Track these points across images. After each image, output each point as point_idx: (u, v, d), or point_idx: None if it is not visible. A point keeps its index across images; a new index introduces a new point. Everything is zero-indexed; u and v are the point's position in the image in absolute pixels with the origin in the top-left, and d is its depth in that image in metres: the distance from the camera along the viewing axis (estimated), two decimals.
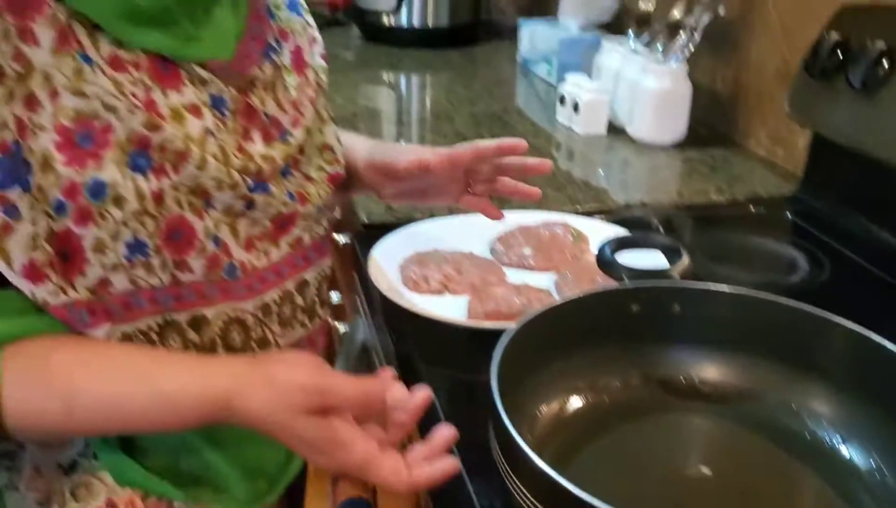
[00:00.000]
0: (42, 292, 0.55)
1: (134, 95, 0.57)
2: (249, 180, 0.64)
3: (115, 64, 0.57)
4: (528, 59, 1.98)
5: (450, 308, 0.90)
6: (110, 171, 0.56)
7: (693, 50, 1.42)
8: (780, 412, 0.70)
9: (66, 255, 0.56)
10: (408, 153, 0.85)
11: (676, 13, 1.47)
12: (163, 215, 0.59)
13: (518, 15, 2.34)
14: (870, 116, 1.03)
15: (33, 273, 0.54)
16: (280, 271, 0.70)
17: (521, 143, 0.88)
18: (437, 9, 2.19)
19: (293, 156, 0.70)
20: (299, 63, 0.74)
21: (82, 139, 0.55)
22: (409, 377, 0.85)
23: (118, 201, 0.57)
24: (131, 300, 0.60)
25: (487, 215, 0.94)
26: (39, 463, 0.64)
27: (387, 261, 0.98)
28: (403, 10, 2.17)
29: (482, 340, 0.87)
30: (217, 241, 0.64)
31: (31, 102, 0.54)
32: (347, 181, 0.86)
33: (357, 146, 0.90)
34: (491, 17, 2.41)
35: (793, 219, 1.18)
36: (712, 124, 1.55)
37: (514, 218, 1.08)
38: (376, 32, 2.23)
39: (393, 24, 2.19)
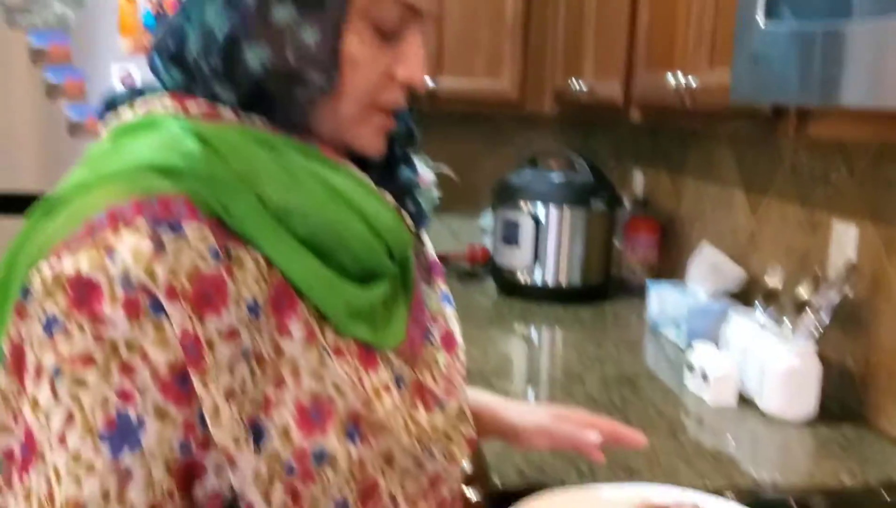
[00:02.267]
0: None
1: (350, 377, 0.68)
2: (420, 447, 0.74)
3: (337, 351, 0.69)
4: (658, 322, 2.06)
5: None
6: (332, 441, 0.67)
7: (821, 329, 1.46)
8: None
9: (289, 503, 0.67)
10: (580, 424, 1.06)
11: (803, 292, 1.54)
12: (363, 478, 0.69)
13: (647, 274, 2.45)
14: None
15: None
16: None
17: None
18: (570, 268, 2.33)
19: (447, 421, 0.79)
20: (449, 344, 0.85)
21: (314, 415, 0.66)
22: None
23: (334, 465, 0.67)
24: None
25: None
26: None
27: None
28: (538, 268, 2.32)
29: None
30: (393, 499, 0.72)
31: (279, 382, 0.65)
32: (489, 434, 1.05)
33: (507, 406, 1.08)
34: (621, 275, 2.53)
35: None
36: (844, 401, 1.56)
37: (643, 493, 1.12)
38: (511, 288, 2.38)
39: (527, 280, 2.34)
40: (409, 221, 0.77)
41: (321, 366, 0.67)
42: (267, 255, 0.66)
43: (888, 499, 1.20)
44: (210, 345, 0.62)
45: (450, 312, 0.88)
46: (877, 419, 1.47)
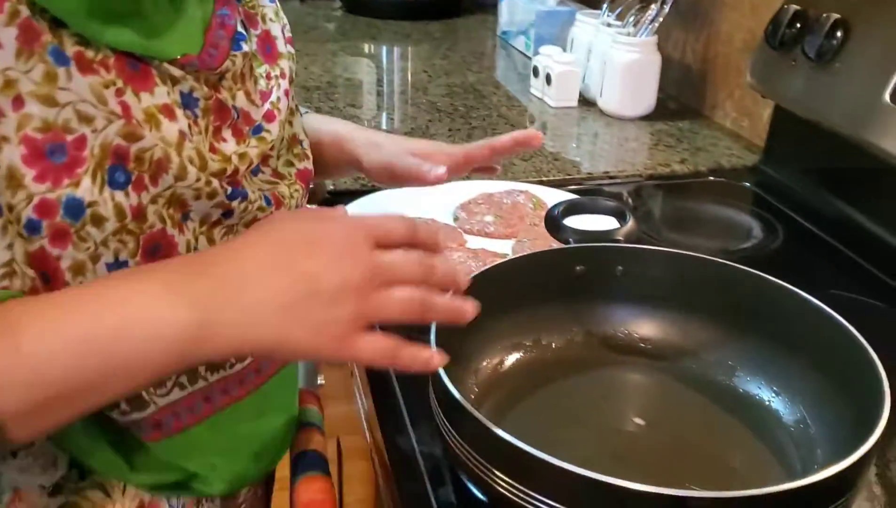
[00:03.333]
0: None
1: (103, 101, 0.52)
2: (228, 188, 0.60)
3: (83, 65, 0.51)
4: (507, 32, 1.99)
5: None
6: (87, 188, 0.51)
7: (662, 21, 1.43)
8: (714, 367, 0.73)
9: (46, 276, 0.52)
10: (429, 157, 0.85)
11: None
12: (143, 230, 0.55)
13: None
14: (824, 87, 1.05)
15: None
16: None
17: (536, 135, 0.88)
18: None
19: (266, 152, 0.65)
20: (271, 51, 0.69)
21: (54, 154, 0.50)
22: None
23: (97, 220, 0.52)
24: None
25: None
26: (20, 486, 0.58)
27: None
28: None
29: None
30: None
31: None
32: (338, 169, 0.90)
33: (354, 136, 0.89)
34: None
35: (752, 189, 1.21)
36: (682, 97, 1.57)
37: (478, 186, 1.11)
38: (357, 4, 2.24)
39: None
40: None
41: (53, 86, 0.50)
42: None
43: (714, 180, 1.24)
44: None
45: (271, 8, 0.71)
46: (712, 112, 1.49)
